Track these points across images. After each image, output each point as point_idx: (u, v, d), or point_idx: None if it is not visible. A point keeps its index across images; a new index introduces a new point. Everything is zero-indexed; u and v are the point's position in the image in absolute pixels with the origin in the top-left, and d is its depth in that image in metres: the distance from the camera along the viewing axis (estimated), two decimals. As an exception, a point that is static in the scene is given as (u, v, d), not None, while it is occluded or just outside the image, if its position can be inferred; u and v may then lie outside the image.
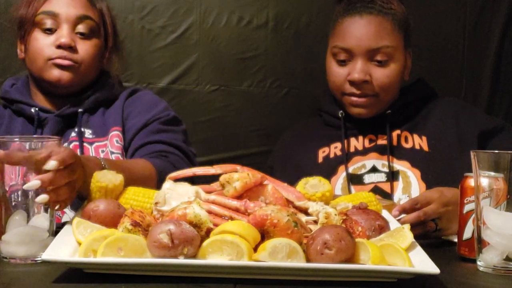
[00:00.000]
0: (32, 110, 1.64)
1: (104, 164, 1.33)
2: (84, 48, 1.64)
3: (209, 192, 1.13)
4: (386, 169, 1.68)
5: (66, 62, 1.61)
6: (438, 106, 1.77)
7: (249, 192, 1.12)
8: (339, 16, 1.72)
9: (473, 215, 1.16)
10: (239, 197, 1.11)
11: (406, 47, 1.73)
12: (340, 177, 1.70)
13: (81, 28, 1.64)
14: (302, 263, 0.95)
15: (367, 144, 1.74)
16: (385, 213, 1.22)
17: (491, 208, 1.09)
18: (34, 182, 1.05)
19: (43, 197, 1.06)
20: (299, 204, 1.14)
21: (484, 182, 1.10)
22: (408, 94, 1.76)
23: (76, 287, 0.93)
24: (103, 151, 1.63)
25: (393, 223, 1.16)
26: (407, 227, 1.08)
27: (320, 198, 1.19)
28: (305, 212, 1.12)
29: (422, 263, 0.99)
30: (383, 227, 1.11)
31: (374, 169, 1.69)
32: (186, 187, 1.13)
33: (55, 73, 1.61)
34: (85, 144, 1.63)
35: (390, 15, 1.68)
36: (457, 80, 2.30)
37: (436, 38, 2.30)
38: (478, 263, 1.11)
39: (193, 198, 1.08)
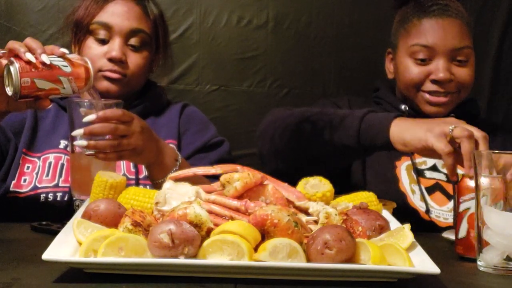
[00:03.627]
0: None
1: (179, 158, 1.48)
2: (134, 61, 1.66)
3: (209, 192, 1.13)
4: (445, 171, 1.71)
5: (115, 76, 1.63)
6: (485, 124, 1.84)
7: (250, 192, 1.12)
8: (413, 17, 1.77)
9: (468, 214, 1.18)
10: (239, 197, 1.11)
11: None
12: (404, 163, 1.76)
13: (133, 41, 1.66)
14: (302, 263, 0.95)
15: None
16: (385, 213, 1.22)
17: (491, 208, 1.09)
18: (79, 130, 1.30)
19: (80, 142, 1.30)
20: (299, 204, 1.14)
21: (484, 181, 1.10)
22: (464, 106, 1.84)
23: (77, 287, 0.93)
24: None
25: (393, 223, 1.16)
26: (407, 227, 1.09)
27: (321, 198, 1.19)
28: (306, 212, 1.12)
29: (422, 263, 0.99)
30: (383, 227, 1.11)
31: (434, 168, 1.75)
32: (186, 187, 1.13)
33: (103, 84, 1.63)
34: None
35: (464, 18, 1.77)
36: (457, 80, 2.30)
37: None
38: (478, 263, 1.11)
39: (194, 198, 1.08)
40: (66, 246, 1.01)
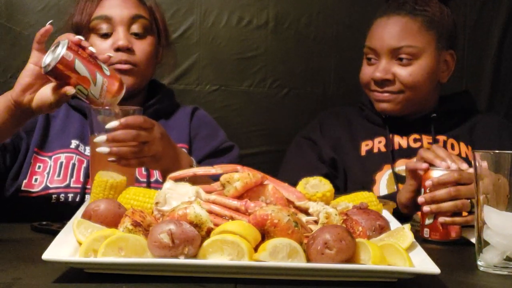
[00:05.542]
0: None
1: (194, 164, 1.47)
2: (141, 48, 1.66)
3: (209, 192, 1.13)
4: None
5: (125, 67, 1.63)
6: (482, 121, 1.83)
7: (250, 192, 1.12)
8: (376, 16, 1.80)
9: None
10: (239, 197, 1.11)
11: (441, 49, 1.76)
12: (386, 174, 1.75)
13: (135, 28, 1.66)
14: (302, 263, 0.95)
15: (412, 143, 1.78)
16: (385, 213, 1.22)
17: (491, 208, 1.09)
18: (101, 136, 1.30)
19: (102, 149, 1.30)
20: (299, 204, 1.14)
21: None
22: (453, 101, 1.82)
23: (77, 287, 0.93)
24: None
25: (394, 223, 1.16)
26: (407, 227, 1.08)
27: (321, 198, 1.19)
28: (306, 212, 1.12)
29: (422, 263, 0.99)
30: (383, 227, 1.11)
31: None
32: (186, 187, 1.13)
33: None
34: None
35: (420, 16, 1.73)
36: (457, 80, 2.30)
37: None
38: (478, 263, 1.11)
39: (194, 198, 1.08)
40: (66, 246, 1.01)
